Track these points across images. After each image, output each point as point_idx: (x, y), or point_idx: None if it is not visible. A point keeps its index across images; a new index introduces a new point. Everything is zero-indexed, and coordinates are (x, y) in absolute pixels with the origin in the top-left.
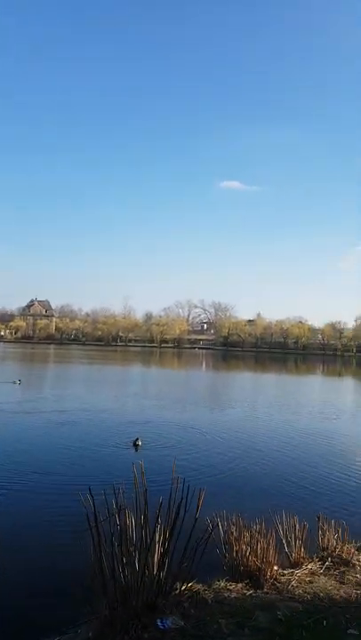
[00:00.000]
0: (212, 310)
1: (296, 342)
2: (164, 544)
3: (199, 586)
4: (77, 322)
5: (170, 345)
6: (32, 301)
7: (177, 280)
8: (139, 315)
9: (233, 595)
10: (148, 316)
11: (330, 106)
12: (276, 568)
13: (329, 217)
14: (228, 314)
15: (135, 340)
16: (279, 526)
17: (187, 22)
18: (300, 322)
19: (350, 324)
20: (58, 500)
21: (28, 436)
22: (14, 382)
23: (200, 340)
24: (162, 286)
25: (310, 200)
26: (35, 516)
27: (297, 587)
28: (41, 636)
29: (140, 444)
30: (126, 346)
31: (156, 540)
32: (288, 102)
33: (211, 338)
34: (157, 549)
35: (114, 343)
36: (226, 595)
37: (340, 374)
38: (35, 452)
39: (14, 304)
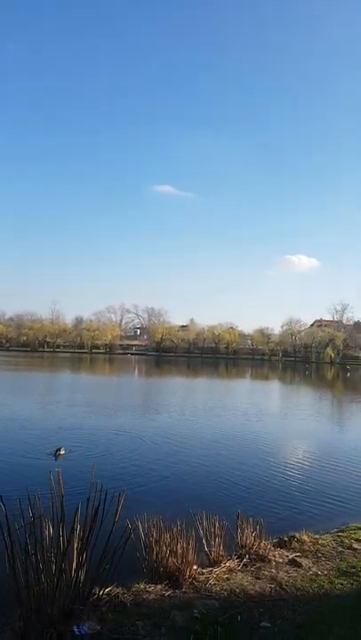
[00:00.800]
0: (146, 315)
1: (227, 347)
2: (81, 549)
3: (118, 589)
4: (1, 326)
5: (101, 351)
6: None
7: (109, 284)
8: (68, 319)
9: (152, 596)
10: (79, 321)
11: (260, 113)
12: (195, 567)
13: (258, 225)
14: (161, 319)
15: (64, 346)
16: (200, 526)
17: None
18: (232, 328)
19: (277, 329)
20: None
21: None
22: None
23: (133, 345)
24: (93, 290)
25: (239, 208)
26: None
27: (215, 584)
28: None
29: (62, 452)
30: (54, 352)
31: (74, 546)
32: (220, 109)
33: (144, 343)
34: (75, 555)
35: (41, 349)
36: (145, 597)
37: (267, 377)
38: None
39: None
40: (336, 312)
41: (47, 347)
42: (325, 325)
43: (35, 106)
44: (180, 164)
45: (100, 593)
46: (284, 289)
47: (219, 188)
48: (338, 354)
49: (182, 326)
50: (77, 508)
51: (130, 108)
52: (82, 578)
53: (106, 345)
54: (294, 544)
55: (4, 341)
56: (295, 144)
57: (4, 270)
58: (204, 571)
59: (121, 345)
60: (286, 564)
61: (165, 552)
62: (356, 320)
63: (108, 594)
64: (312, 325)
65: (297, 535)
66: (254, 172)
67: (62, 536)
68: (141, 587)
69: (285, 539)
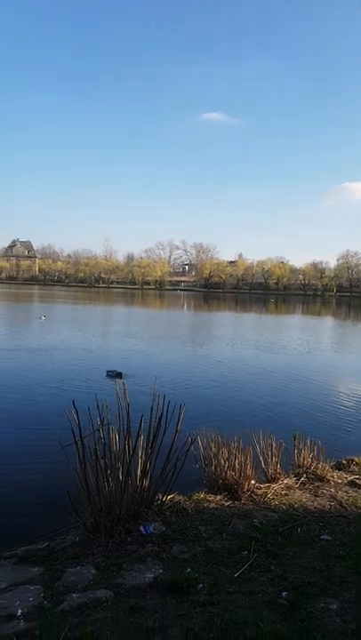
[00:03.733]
0: (194, 252)
1: (277, 283)
2: (146, 457)
3: (180, 497)
4: (60, 263)
5: (152, 287)
6: (14, 242)
7: (158, 221)
8: (120, 256)
9: (212, 505)
10: (130, 258)
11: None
12: (253, 482)
13: (314, 151)
14: (209, 255)
15: (117, 282)
16: (257, 445)
17: None
18: (282, 262)
19: (332, 264)
20: (43, 418)
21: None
22: (39, 318)
23: (181, 281)
24: (143, 227)
25: (295, 133)
26: (21, 433)
27: (273, 499)
28: (31, 544)
29: (122, 376)
30: (109, 287)
31: (139, 453)
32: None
33: (192, 279)
34: (140, 462)
35: (96, 285)
36: (205, 505)
37: (318, 314)
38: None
39: None
40: None
41: (102, 282)
42: None
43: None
44: (232, 91)
45: (164, 499)
46: (342, 220)
47: (270, 114)
48: None
49: (231, 262)
50: (141, 418)
51: (180, 34)
52: (146, 483)
53: (156, 281)
54: (353, 467)
55: (63, 277)
56: (351, 71)
57: (64, 211)
58: (261, 486)
59: (170, 281)
60: (345, 484)
61: (224, 465)
62: None
63: (170, 500)
64: None
65: (356, 459)
66: (308, 99)
67: (128, 443)
68: (202, 496)
69: (344, 462)
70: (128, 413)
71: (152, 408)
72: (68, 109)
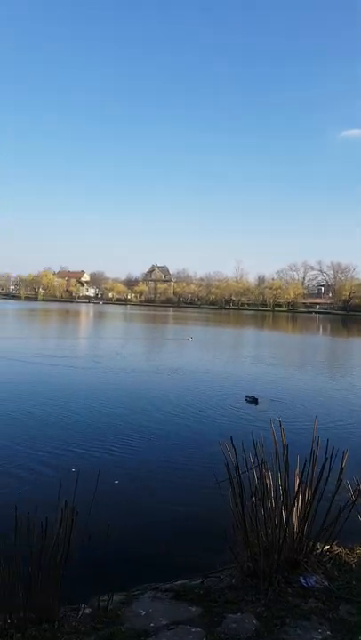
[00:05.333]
0: (331, 272)
1: None
2: (305, 503)
3: (340, 549)
4: (192, 286)
5: (284, 309)
6: (153, 267)
7: (290, 242)
8: (251, 278)
9: None
10: (261, 280)
11: None
12: None
13: None
14: (349, 275)
15: (248, 304)
16: None
17: None
18: None
19: None
20: (192, 443)
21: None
22: (187, 339)
23: (316, 303)
24: (274, 249)
25: None
26: (174, 461)
27: None
28: (186, 578)
29: (258, 402)
30: (239, 309)
31: (299, 498)
32: None
33: (329, 301)
34: (298, 507)
35: (227, 307)
36: None
37: None
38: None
39: (138, 270)
40: None
41: (232, 304)
42: None
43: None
44: None
45: (323, 549)
46: None
47: None
48: None
49: None
50: (297, 458)
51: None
52: (305, 531)
53: (288, 303)
54: None
55: (195, 299)
56: None
57: (197, 237)
58: None
59: (304, 303)
60: None
61: None
62: None
63: (330, 551)
64: None
65: None
66: None
67: (284, 486)
68: None
69: None
70: (286, 455)
71: (312, 451)
72: (207, 140)
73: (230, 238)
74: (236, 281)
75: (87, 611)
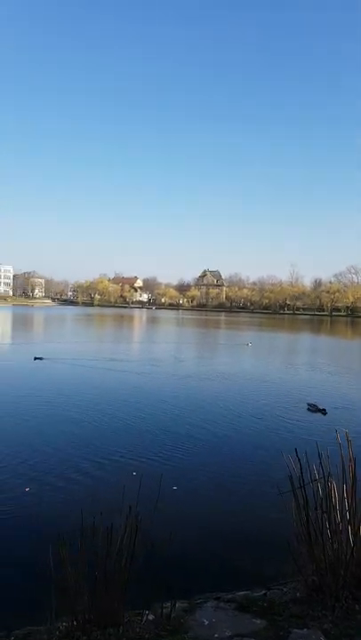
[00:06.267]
0: None
1: None
2: None
3: None
4: (245, 290)
5: (342, 313)
6: (205, 272)
7: (349, 244)
8: (306, 282)
9: None
10: (317, 283)
11: None
12: None
13: None
14: None
15: (303, 309)
16: None
17: None
18: None
19: None
20: (254, 450)
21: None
22: (246, 344)
23: None
24: (332, 252)
25: None
26: (232, 469)
27: None
28: (246, 588)
29: (324, 411)
30: (294, 314)
31: None
32: None
33: None
34: None
35: (281, 311)
36: None
37: None
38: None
39: (189, 275)
40: None
41: (287, 309)
42: None
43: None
44: None
45: None
46: None
47: None
48: None
49: None
50: None
51: None
52: None
53: (347, 307)
54: None
55: (248, 304)
56: None
57: (249, 242)
58: None
59: None
60: None
61: None
62: None
63: None
64: None
65: None
66: None
67: (351, 500)
68: None
69: None
70: (353, 470)
71: None
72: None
73: (285, 241)
74: (291, 285)
75: (150, 617)
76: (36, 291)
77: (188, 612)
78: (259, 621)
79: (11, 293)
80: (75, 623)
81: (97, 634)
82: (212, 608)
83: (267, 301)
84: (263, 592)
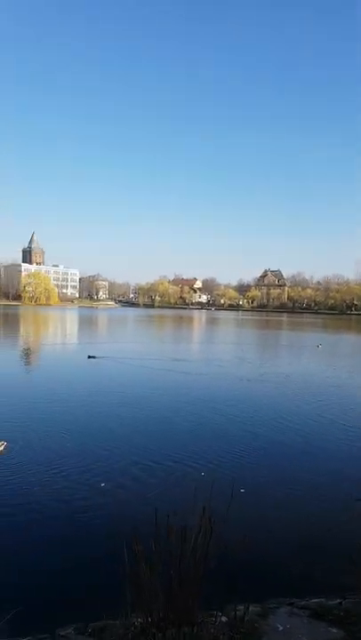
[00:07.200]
0: None
1: None
2: None
3: None
4: (309, 290)
5: None
6: (265, 272)
7: None
8: None
9: None
10: None
11: None
12: None
13: None
14: None
15: None
16: None
17: None
18: None
19: None
20: (326, 462)
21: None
22: (317, 346)
23: None
24: None
25: None
26: (302, 473)
27: None
28: (320, 596)
29: None
30: None
31: None
32: None
33: None
34: None
35: (348, 312)
36: None
37: None
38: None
39: (250, 275)
40: None
41: (354, 309)
42: None
43: None
44: None
45: None
46: None
47: None
48: None
49: None
50: None
51: None
52: None
53: None
54: None
55: (312, 304)
56: None
57: (313, 240)
58: None
59: None
60: None
61: None
62: None
63: None
64: None
65: None
66: None
67: None
68: None
69: None
70: None
71: None
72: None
73: (351, 238)
74: (359, 284)
75: (223, 619)
76: (100, 293)
77: (261, 616)
78: (335, 630)
79: (77, 295)
80: (150, 620)
81: (172, 632)
82: (286, 614)
83: (332, 302)
84: (338, 601)
